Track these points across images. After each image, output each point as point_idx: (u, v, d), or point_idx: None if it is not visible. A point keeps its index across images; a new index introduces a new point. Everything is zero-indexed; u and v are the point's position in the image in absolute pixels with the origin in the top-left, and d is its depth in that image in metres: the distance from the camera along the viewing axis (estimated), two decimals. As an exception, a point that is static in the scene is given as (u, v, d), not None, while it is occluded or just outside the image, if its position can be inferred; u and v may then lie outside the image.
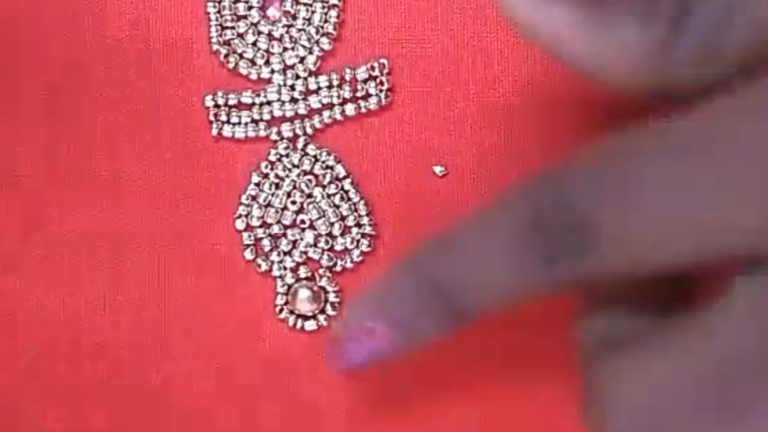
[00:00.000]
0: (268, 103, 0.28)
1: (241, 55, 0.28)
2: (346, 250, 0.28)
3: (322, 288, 0.28)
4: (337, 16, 0.27)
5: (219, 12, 0.27)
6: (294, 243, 0.28)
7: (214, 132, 0.28)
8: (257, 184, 0.28)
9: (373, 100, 0.28)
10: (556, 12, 0.21)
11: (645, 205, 0.19)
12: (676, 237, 0.19)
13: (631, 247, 0.20)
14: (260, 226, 0.28)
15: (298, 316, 0.28)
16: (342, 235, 0.28)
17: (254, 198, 0.28)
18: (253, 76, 0.28)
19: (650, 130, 0.20)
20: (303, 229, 0.28)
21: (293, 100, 0.28)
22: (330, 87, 0.28)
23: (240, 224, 0.28)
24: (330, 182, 0.28)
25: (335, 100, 0.28)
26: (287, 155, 0.28)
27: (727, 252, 0.19)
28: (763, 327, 0.19)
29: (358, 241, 0.28)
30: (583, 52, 0.21)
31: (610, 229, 0.20)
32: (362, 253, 0.28)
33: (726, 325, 0.19)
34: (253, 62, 0.28)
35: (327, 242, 0.28)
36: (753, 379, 0.19)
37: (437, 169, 0.28)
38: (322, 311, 0.28)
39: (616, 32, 0.21)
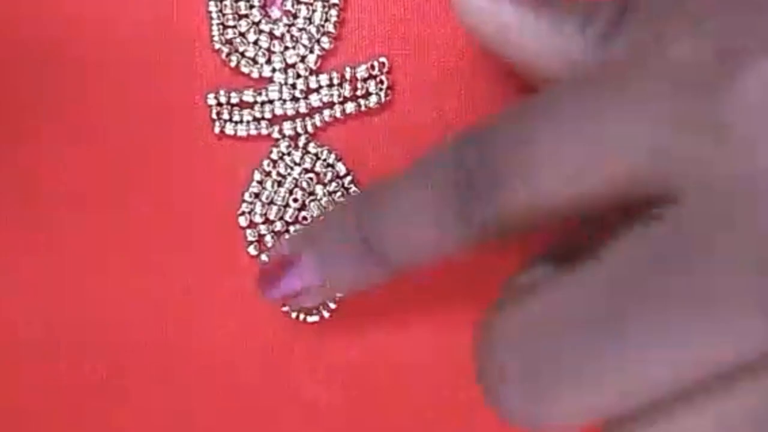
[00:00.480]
0: (270, 101, 0.28)
1: (242, 54, 0.28)
2: (348, 247, 0.28)
3: None
4: (338, 15, 0.28)
5: (221, 11, 0.28)
6: (296, 239, 0.28)
7: (217, 130, 0.28)
8: (260, 182, 0.28)
9: (373, 98, 0.28)
10: (505, 7, 0.23)
11: (539, 151, 0.20)
12: (561, 180, 0.20)
13: (533, 185, 0.20)
14: (263, 223, 0.28)
15: (300, 309, 0.28)
16: (343, 231, 0.28)
17: (257, 195, 0.28)
18: (255, 75, 0.28)
19: (549, 91, 0.21)
20: (305, 226, 0.28)
21: (294, 99, 0.28)
22: (331, 85, 0.28)
23: (243, 221, 0.28)
24: (331, 180, 0.28)
25: (336, 99, 0.28)
26: (289, 153, 0.28)
27: (603, 193, 0.20)
28: (657, 252, 0.19)
29: (358, 238, 0.28)
30: (526, 45, 0.23)
31: (516, 171, 0.20)
32: (363, 249, 0.28)
33: (617, 249, 0.20)
34: (254, 61, 0.28)
35: (329, 239, 0.28)
36: (643, 295, 0.19)
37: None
38: (324, 304, 0.29)
39: (560, 28, 0.22)
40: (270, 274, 0.25)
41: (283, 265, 0.25)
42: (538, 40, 0.23)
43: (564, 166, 0.20)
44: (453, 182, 0.22)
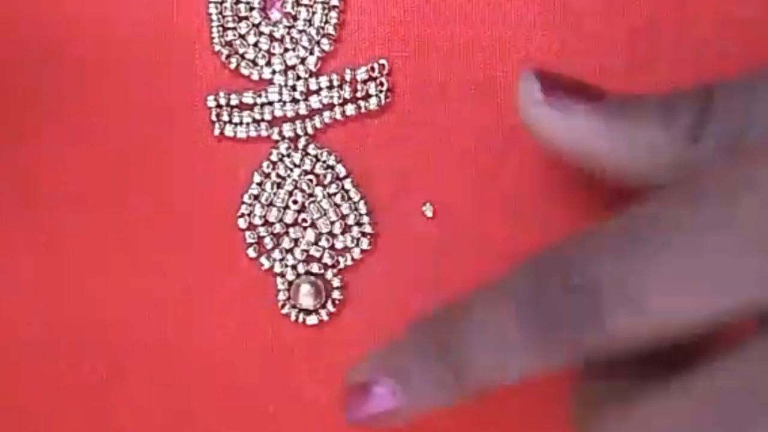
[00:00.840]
0: (270, 103, 0.28)
1: (242, 56, 0.28)
2: (347, 249, 0.28)
3: (325, 282, 0.28)
4: (338, 17, 0.28)
5: (221, 13, 0.28)
6: (296, 241, 0.28)
7: (216, 132, 0.28)
8: (259, 184, 0.28)
9: (373, 100, 0.28)
10: (577, 121, 0.22)
11: (645, 285, 0.19)
12: (690, 297, 0.19)
13: (646, 313, 0.20)
14: (262, 225, 0.28)
15: (300, 310, 0.29)
16: (342, 233, 0.28)
17: (256, 197, 0.28)
18: (255, 77, 0.28)
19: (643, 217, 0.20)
20: (304, 228, 0.28)
21: (294, 101, 0.28)
22: (330, 87, 0.28)
23: (242, 223, 0.28)
24: (331, 182, 0.28)
25: (336, 101, 0.28)
26: (288, 155, 0.28)
27: (734, 310, 0.19)
28: None
29: (358, 239, 0.28)
30: (604, 153, 0.23)
31: (622, 302, 0.20)
32: (362, 251, 0.28)
33: (739, 365, 0.19)
34: (254, 63, 0.28)
35: (328, 240, 0.28)
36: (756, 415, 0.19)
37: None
38: (323, 306, 0.29)
39: (643, 132, 0.22)
40: (349, 399, 0.24)
41: (363, 392, 0.24)
42: (617, 146, 0.22)
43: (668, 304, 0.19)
44: (542, 309, 0.21)
